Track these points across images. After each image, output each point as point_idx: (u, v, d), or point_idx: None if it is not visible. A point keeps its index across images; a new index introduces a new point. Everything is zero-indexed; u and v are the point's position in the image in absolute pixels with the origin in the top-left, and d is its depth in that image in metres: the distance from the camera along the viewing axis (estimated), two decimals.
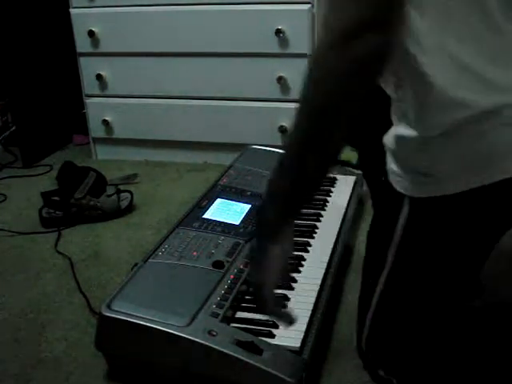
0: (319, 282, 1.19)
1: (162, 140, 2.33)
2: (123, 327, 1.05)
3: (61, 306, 1.43)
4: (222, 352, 0.96)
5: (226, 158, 2.28)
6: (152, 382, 1.10)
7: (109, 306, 1.07)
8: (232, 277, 1.13)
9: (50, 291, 1.49)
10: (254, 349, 0.96)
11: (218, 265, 1.15)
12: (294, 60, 2.07)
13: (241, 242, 1.23)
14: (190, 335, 0.98)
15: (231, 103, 2.20)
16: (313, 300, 1.13)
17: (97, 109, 2.34)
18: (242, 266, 1.16)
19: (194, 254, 1.18)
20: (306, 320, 1.07)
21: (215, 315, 1.04)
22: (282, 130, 2.14)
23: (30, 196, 2.05)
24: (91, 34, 2.19)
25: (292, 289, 1.15)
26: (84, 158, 2.40)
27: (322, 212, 1.47)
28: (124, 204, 1.90)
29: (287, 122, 2.14)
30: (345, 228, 1.43)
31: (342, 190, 1.61)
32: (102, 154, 2.43)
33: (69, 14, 2.21)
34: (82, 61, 2.29)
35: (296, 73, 2.08)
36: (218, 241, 1.23)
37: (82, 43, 2.24)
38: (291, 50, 2.04)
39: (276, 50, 2.06)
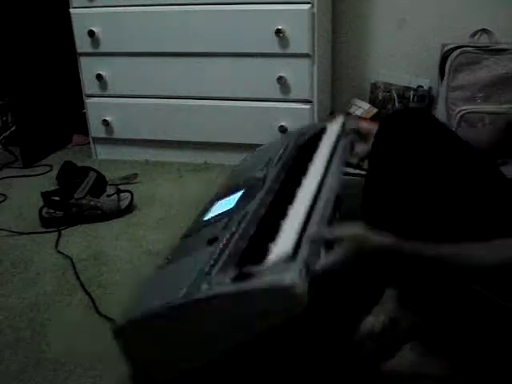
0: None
1: (162, 140, 2.33)
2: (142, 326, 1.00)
3: (61, 306, 1.43)
4: (218, 294, 0.91)
5: (226, 158, 2.29)
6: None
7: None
8: (220, 246, 1.08)
9: (50, 291, 1.49)
10: (242, 276, 0.91)
11: (211, 241, 1.11)
12: (294, 60, 2.07)
13: (232, 218, 1.18)
14: (184, 299, 0.94)
15: (231, 103, 2.20)
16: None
17: (97, 109, 2.34)
18: (228, 237, 1.11)
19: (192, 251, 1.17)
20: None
21: (208, 274, 0.99)
22: (282, 130, 2.14)
23: (30, 196, 2.05)
24: (91, 33, 2.19)
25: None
26: (84, 158, 2.40)
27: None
28: (124, 204, 1.90)
29: (287, 122, 2.14)
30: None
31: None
32: (102, 153, 2.44)
33: (69, 13, 2.21)
34: (82, 61, 2.29)
35: (296, 73, 2.08)
36: (218, 226, 1.19)
37: (82, 43, 2.24)
38: (291, 50, 2.04)
39: (276, 49, 2.06)
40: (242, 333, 0.91)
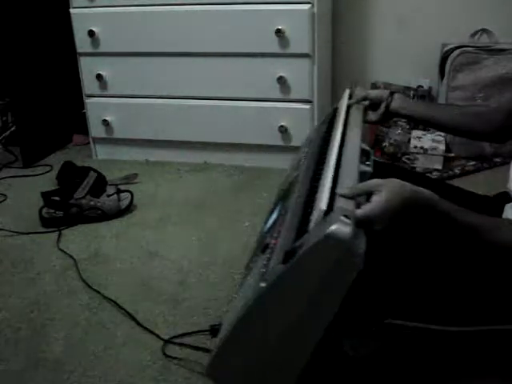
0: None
1: (162, 140, 2.33)
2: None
3: (61, 306, 1.43)
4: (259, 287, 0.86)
5: (226, 158, 2.29)
6: None
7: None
8: (274, 242, 1.03)
9: (50, 291, 1.49)
10: (289, 255, 0.86)
11: (263, 249, 1.09)
12: (294, 60, 2.07)
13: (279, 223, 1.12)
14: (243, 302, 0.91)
15: (231, 103, 2.20)
16: None
17: (97, 109, 2.34)
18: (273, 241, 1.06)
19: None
20: None
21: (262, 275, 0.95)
22: (282, 130, 2.14)
23: (30, 196, 2.05)
24: (91, 33, 2.19)
25: None
26: (84, 158, 2.40)
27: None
28: (124, 204, 1.90)
29: (287, 122, 2.14)
30: None
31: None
32: (102, 154, 2.44)
33: (69, 13, 2.21)
34: (82, 61, 2.29)
35: (296, 73, 2.08)
36: (273, 234, 1.10)
37: (82, 43, 2.24)
38: (291, 50, 2.04)
39: (276, 49, 2.06)
40: (330, 301, 0.86)
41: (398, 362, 1.15)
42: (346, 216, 0.81)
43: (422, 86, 2.31)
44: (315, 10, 2.01)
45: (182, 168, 2.27)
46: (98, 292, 1.47)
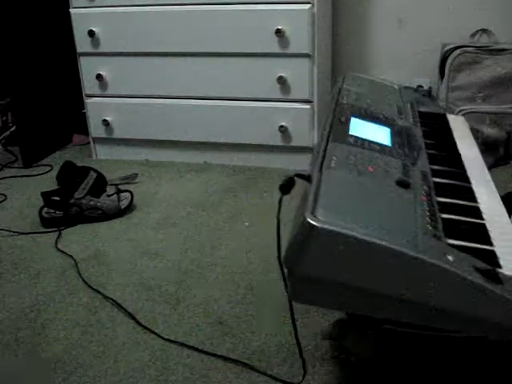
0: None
1: (162, 140, 2.34)
2: (342, 243, 0.84)
3: (61, 306, 1.43)
4: (463, 277, 0.82)
5: (226, 158, 2.29)
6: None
7: (315, 216, 0.83)
8: (424, 198, 1.00)
9: (50, 291, 1.49)
10: (493, 277, 0.85)
11: (403, 184, 1.01)
12: (294, 60, 2.07)
13: (408, 164, 1.08)
14: (427, 256, 0.83)
15: (231, 103, 2.20)
16: None
17: (97, 109, 2.35)
18: (427, 189, 1.02)
19: (370, 169, 1.03)
20: None
21: (438, 238, 0.91)
22: (282, 130, 2.14)
23: (30, 196, 2.05)
24: (91, 33, 2.19)
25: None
26: (84, 158, 2.41)
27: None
28: (124, 204, 1.90)
29: (287, 122, 2.14)
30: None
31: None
32: (102, 153, 2.44)
33: (69, 13, 2.22)
34: (82, 61, 2.29)
35: (296, 73, 2.08)
36: (383, 159, 1.07)
37: (82, 43, 2.24)
38: (291, 50, 2.05)
39: (276, 49, 2.06)
40: None
41: (396, 366, 1.15)
42: None
43: (422, 86, 2.31)
44: (315, 9, 2.01)
45: (182, 168, 2.27)
46: (98, 292, 1.47)
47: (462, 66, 2.13)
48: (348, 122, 1.19)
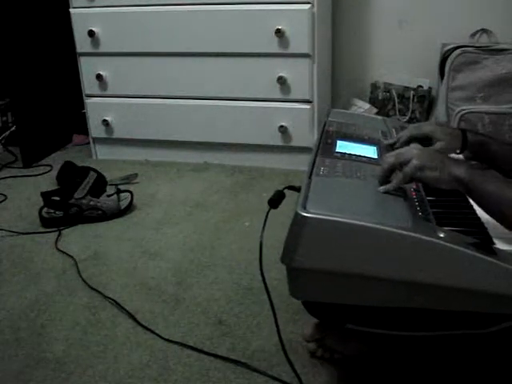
0: None
1: (162, 140, 2.34)
2: (334, 230, 0.87)
3: (61, 306, 1.43)
4: (455, 249, 0.84)
5: (226, 158, 2.29)
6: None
7: (305, 210, 0.86)
8: (413, 194, 1.05)
9: (50, 291, 1.49)
10: (486, 249, 0.86)
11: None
12: (294, 60, 2.07)
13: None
14: (420, 234, 0.85)
15: (231, 103, 2.20)
16: None
17: (97, 109, 2.35)
18: (416, 187, 1.08)
19: (358, 174, 1.08)
20: None
21: (430, 221, 0.94)
22: (282, 130, 2.14)
23: (30, 196, 2.05)
24: (91, 33, 2.19)
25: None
26: (84, 158, 2.41)
27: None
28: (124, 204, 1.90)
29: (287, 122, 2.14)
30: None
31: None
32: (102, 154, 2.44)
33: (69, 13, 2.22)
34: (82, 61, 2.29)
35: (296, 73, 2.08)
36: (371, 167, 1.11)
37: (82, 43, 2.24)
38: (291, 50, 2.05)
39: (276, 49, 2.06)
40: None
41: (385, 362, 1.15)
42: None
43: (422, 86, 2.31)
44: (315, 10, 2.01)
45: (182, 168, 2.27)
46: (98, 292, 1.47)
47: (461, 66, 2.13)
48: (334, 143, 1.26)
